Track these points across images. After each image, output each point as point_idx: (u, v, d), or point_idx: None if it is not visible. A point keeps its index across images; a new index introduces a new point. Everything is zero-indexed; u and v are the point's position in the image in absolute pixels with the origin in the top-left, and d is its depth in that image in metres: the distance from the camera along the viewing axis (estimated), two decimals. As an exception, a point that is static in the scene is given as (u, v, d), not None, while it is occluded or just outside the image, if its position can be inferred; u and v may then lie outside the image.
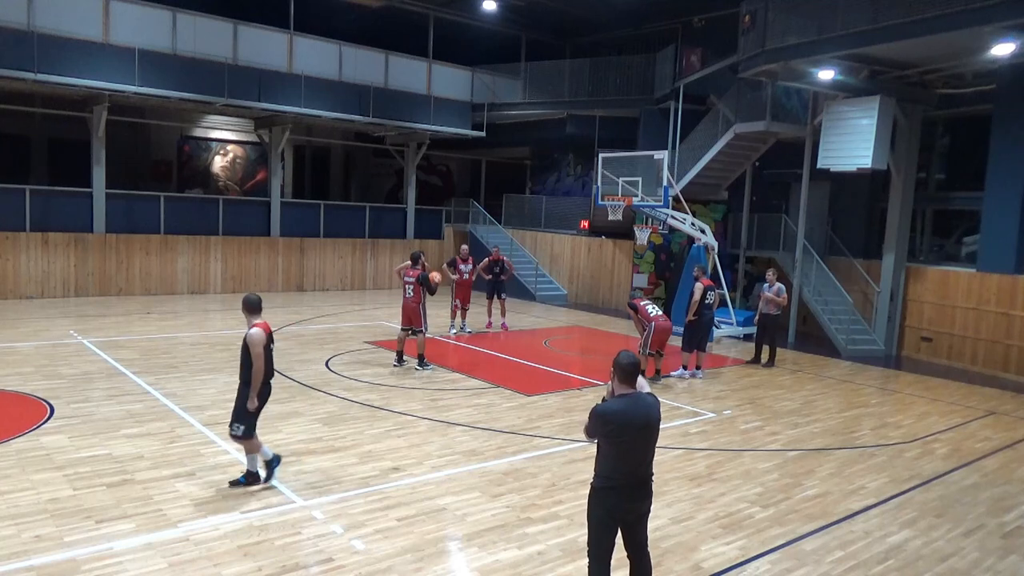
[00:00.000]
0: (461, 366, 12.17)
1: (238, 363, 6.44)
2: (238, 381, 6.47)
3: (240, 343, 6.36)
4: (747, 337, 15.96)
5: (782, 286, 13.38)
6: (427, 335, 11.79)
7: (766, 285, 13.35)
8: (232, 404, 6.53)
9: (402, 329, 11.77)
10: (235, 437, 6.46)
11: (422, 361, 11.54)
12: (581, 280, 21.92)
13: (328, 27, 20.01)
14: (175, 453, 7.27)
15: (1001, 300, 13.95)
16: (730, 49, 16.31)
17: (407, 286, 11.54)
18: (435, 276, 11.71)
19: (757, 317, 13.69)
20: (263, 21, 18.61)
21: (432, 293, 11.64)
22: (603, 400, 4.43)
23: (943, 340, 15.00)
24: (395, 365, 11.63)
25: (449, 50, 21.90)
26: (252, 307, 6.41)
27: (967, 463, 8.50)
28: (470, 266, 15.15)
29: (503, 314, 15.90)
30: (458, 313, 15.03)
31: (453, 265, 15.05)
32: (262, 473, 6.59)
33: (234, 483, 6.49)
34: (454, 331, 14.88)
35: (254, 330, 6.24)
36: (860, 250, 17.09)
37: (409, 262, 11.77)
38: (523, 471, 7.33)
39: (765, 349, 13.59)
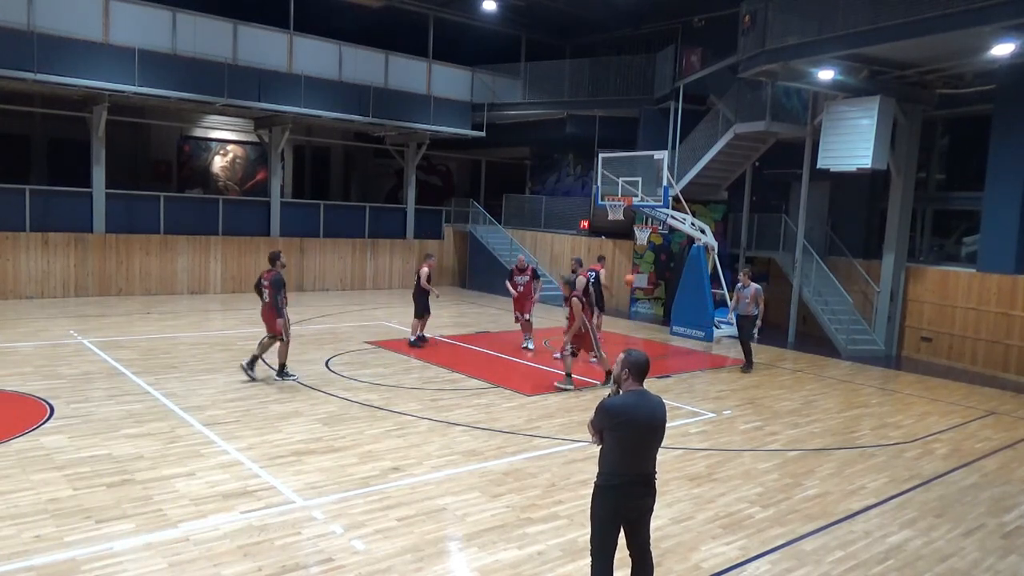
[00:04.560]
0: (461, 366, 12.16)
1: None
2: None
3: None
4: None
5: (759, 287, 13.01)
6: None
7: (739, 285, 12.98)
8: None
9: (267, 336, 10.41)
10: None
11: (282, 370, 10.30)
12: (581, 280, 21.87)
13: (328, 27, 20.00)
14: (175, 453, 7.27)
15: (1001, 300, 13.95)
16: (730, 49, 16.31)
17: (264, 291, 10.25)
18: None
19: (735, 318, 13.20)
20: (263, 21, 18.61)
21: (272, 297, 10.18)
22: (607, 397, 4.47)
23: (943, 340, 14.99)
24: (249, 374, 10.19)
25: (449, 50, 21.90)
26: None
27: (967, 463, 8.49)
28: (527, 277, 13.78)
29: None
30: (530, 329, 13.73)
31: (510, 278, 13.85)
32: None
33: None
34: (530, 347, 13.69)
35: None
36: (860, 250, 17.08)
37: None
38: (523, 471, 7.33)
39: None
